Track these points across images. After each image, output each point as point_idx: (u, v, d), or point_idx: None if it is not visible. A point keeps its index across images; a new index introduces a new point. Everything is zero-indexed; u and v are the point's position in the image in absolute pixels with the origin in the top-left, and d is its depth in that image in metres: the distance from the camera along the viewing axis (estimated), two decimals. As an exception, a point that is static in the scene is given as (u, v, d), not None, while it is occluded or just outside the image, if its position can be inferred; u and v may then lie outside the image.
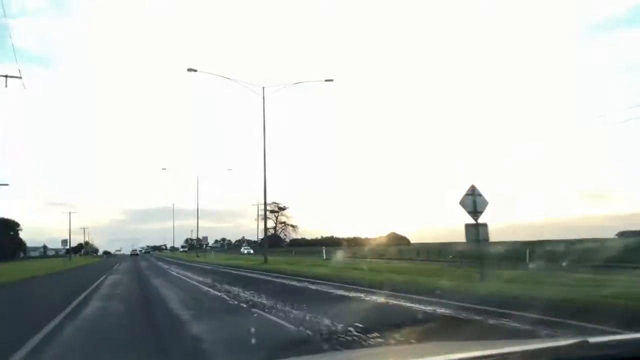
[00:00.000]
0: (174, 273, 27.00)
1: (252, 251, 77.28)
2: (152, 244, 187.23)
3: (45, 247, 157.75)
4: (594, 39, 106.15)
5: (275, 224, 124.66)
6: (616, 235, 67.39)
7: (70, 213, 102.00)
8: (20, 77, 25.68)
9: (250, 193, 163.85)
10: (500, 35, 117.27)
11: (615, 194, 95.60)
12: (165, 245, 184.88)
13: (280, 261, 34.52)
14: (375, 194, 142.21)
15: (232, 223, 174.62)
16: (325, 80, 35.69)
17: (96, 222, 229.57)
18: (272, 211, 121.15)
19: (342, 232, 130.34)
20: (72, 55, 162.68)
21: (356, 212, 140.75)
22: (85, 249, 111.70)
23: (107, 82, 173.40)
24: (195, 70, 33.68)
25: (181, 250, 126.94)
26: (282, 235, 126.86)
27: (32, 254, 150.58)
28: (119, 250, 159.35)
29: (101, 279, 24.19)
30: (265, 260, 33.94)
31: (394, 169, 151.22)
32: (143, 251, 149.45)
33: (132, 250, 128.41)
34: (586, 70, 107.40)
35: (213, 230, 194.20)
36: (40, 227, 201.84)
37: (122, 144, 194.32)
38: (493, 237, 16.03)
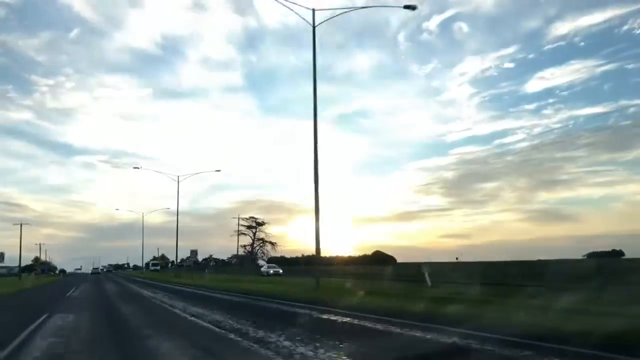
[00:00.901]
0: (188, 317, 13.19)
1: (280, 271, 57.28)
2: (113, 263, 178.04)
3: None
4: None
5: (253, 240, 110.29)
6: (584, 256, 65.14)
7: (21, 224, 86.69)
8: None
9: (218, 206, 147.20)
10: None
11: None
12: (127, 263, 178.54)
13: (334, 287, 21.68)
14: (354, 206, 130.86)
15: (197, 241, 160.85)
16: (405, 7, 23.32)
17: (55, 240, 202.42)
18: (248, 226, 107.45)
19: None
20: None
21: (333, 228, 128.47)
22: (40, 266, 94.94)
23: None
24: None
25: (152, 268, 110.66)
26: (259, 254, 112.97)
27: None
28: (79, 269, 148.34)
29: (35, 325, 11.03)
30: (318, 284, 20.91)
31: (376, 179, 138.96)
32: (105, 270, 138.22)
33: (94, 269, 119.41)
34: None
35: (174, 248, 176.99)
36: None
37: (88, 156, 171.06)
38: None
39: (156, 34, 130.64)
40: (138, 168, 56.34)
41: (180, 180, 54.94)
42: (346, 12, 23.07)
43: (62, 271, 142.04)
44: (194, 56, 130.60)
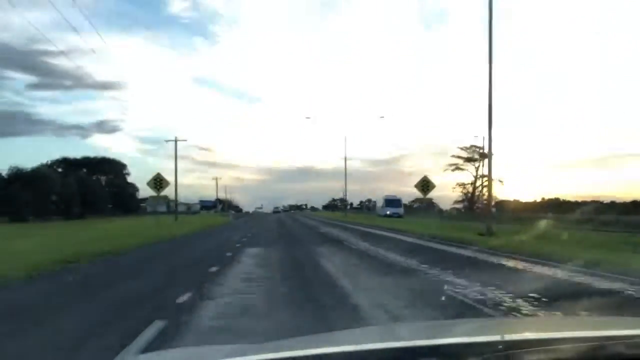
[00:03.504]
0: None
1: None
2: (292, 204, 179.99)
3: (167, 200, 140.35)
4: None
5: (475, 178, 72.79)
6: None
7: (176, 139, 62.59)
8: None
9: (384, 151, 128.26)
10: None
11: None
12: (305, 204, 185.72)
13: None
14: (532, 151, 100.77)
15: (367, 186, 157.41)
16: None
17: (240, 182, 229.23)
18: (467, 159, 72.59)
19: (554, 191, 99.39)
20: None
21: (513, 173, 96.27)
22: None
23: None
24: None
25: (391, 212, 58.47)
26: (482, 196, 77.77)
27: (159, 209, 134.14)
28: (260, 208, 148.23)
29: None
30: None
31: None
32: (283, 210, 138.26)
33: (275, 208, 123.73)
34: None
35: (351, 192, 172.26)
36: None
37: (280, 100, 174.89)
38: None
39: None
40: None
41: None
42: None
43: (236, 209, 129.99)
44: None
